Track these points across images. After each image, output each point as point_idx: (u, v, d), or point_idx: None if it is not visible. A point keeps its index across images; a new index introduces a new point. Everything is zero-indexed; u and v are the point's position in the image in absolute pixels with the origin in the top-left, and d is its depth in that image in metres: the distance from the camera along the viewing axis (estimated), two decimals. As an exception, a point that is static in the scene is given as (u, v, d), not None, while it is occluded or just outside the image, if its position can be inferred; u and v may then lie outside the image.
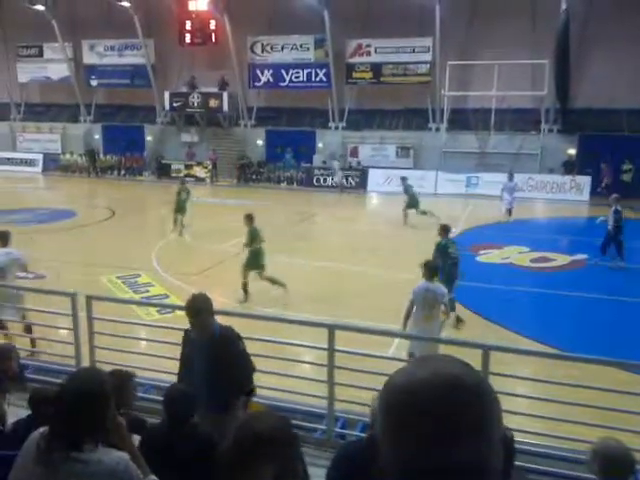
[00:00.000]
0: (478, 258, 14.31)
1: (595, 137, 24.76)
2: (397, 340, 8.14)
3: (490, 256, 14.65)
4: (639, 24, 22.81)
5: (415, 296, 7.16)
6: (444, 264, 9.09)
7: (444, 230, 9.74)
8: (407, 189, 18.79)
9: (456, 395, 0.92)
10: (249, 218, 11.22)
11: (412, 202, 18.35)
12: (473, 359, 3.92)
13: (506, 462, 1.01)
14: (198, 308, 4.37)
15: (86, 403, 2.30)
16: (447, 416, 0.90)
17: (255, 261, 11.04)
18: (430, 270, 7.25)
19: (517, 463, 3.36)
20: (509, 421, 4.40)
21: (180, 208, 16.71)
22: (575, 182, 24.60)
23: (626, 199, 22.09)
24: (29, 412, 4.46)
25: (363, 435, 5.25)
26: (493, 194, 24.25)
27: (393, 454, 0.93)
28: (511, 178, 19.49)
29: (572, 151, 25.68)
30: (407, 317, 7.21)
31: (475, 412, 0.92)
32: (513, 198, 18.94)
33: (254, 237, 11.05)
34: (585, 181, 24.52)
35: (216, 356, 4.32)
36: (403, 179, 19.71)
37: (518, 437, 3.53)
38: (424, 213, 17.83)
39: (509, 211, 18.85)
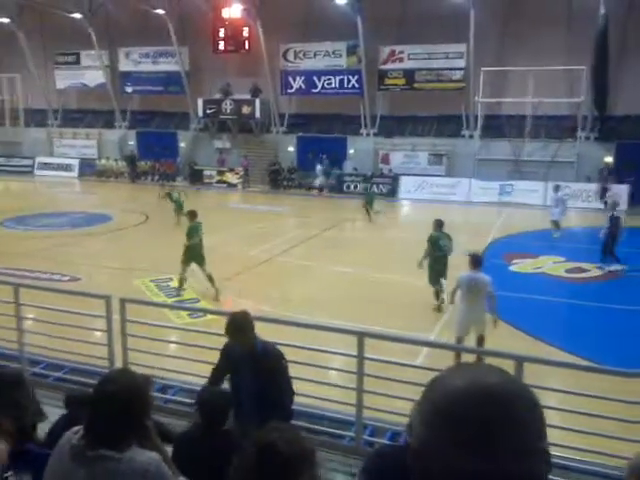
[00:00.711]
0: (511, 267, 14.05)
1: (634, 145, 24.15)
2: (426, 349, 8.02)
3: (523, 265, 14.37)
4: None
5: (460, 283, 8.06)
6: (433, 258, 10.70)
7: (438, 224, 10.95)
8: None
9: (505, 403, 0.91)
10: (192, 214, 11.93)
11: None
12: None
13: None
14: (238, 328, 4.37)
15: (119, 404, 2.32)
16: (491, 425, 0.89)
17: (193, 255, 11.61)
18: (475, 261, 8.06)
19: (551, 477, 3.24)
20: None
21: (180, 207, 17.95)
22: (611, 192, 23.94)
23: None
24: (63, 412, 4.54)
25: (392, 443, 5.21)
26: (527, 202, 24.05)
27: (433, 463, 0.91)
28: (556, 189, 18.77)
29: (609, 159, 25.11)
30: (453, 296, 8.38)
31: (524, 420, 0.91)
32: (560, 210, 18.05)
33: (194, 232, 11.65)
34: (622, 190, 23.88)
35: (258, 370, 4.31)
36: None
37: (551, 451, 3.40)
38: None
39: (554, 223, 17.91)
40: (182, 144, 32.16)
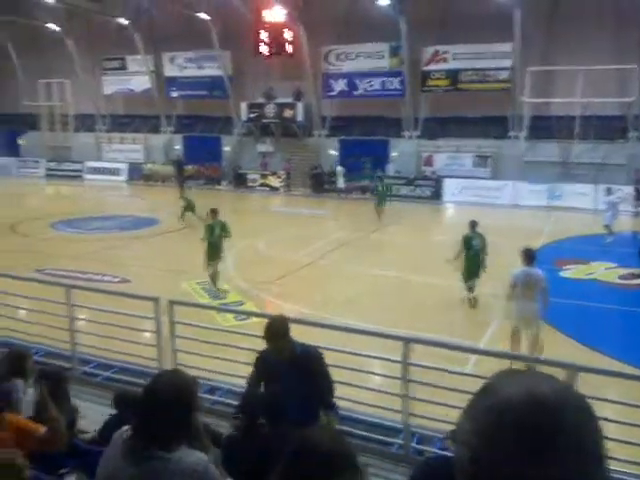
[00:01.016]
0: (562, 273, 13.65)
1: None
2: (475, 356, 7.85)
3: (575, 271, 13.96)
4: None
5: (516, 279, 8.16)
6: (467, 254, 11.25)
7: (472, 225, 11.57)
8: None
9: (558, 412, 0.89)
10: (213, 212, 12.44)
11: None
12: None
13: None
14: (277, 333, 4.36)
15: (169, 404, 2.35)
16: (549, 433, 0.87)
17: (212, 251, 12.11)
18: (528, 257, 8.23)
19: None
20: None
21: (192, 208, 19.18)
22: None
23: None
24: (112, 412, 4.62)
25: (442, 452, 5.11)
26: (576, 206, 23.34)
27: (486, 473, 0.89)
28: (609, 192, 18.17)
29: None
30: (509, 297, 8.35)
31: (588, 431, 0.90)
32: (611, 214, 17.48)
33: (209, 230, 12.21)
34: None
35: (299, 374, 4.33)
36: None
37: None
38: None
39: (607, 228, 17.36)
40: (226, 148, 32.54)
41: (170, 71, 33.08)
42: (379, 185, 22.60)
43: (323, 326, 6.97)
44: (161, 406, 2.35)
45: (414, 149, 28.33)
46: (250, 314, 9.87)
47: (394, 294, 12.37)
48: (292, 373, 4.31)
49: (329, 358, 5.98)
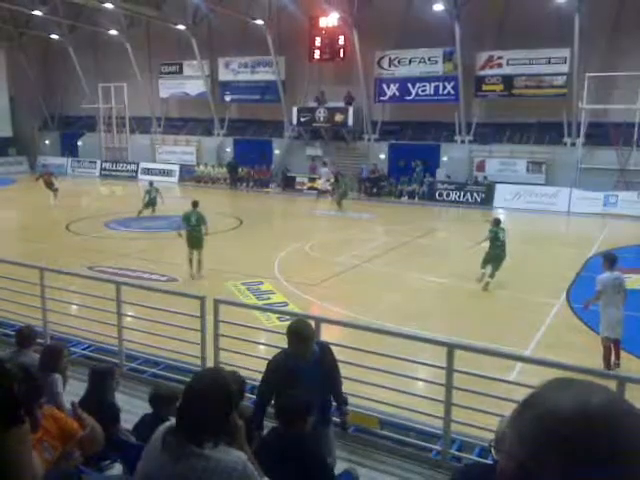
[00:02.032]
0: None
1: None
2: (519, 365, 7.64)
3: (632, 281, 13.38)
4: None
5: (604, 286, 8.00)
6: (494, 247, 12.52)
7: (496, 222, 13.00)
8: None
9: (610, 424, 0.87)
10: (193, 203, 13.72)
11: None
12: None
13: None
14: (307, 335, 4.36)
15: (210, 402, 2.37)
16: (600, 446, 0.85)
17: (190, 241, 13.31)
18: (611, 261, 8.18)
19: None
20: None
21: (151, 203, 21.02)
22: None
23: None
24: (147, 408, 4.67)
25: (480, 460, 5.06)
26: (633, 214, 22.48)
27: None
28: None
29: None
30: (596, 299, 8.24)
31: (629, 443, 0.86)
32: None
33: (185, 220, 13.48)
34: None
35: (321, 375, 4.38)
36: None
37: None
38: None
39: None
40: (276, 151, 32.86)
41: (224, 75, 33.65)
42: (342, 183, 25.45)
43: (366, 329, 6.93)
44: (202, 404, 2.37)
45: (466, 154, 27.92)
46: (293, 314, 9.86)
47: (440, 300, 12.21)
48: (314, 375, 4.32)
49: (370, 361, 5.92)
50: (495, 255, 12.61)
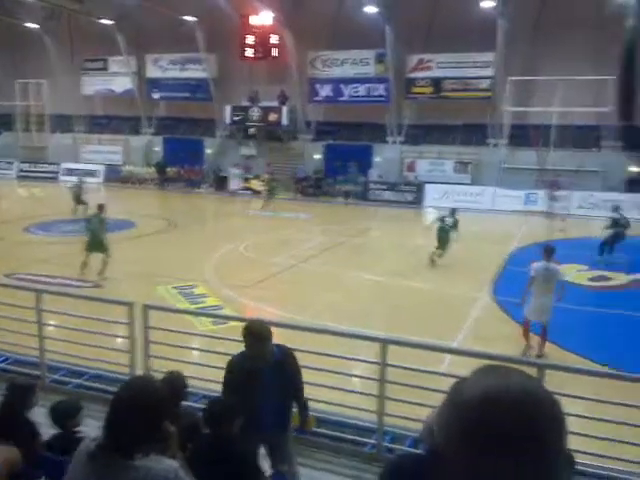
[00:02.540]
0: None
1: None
2: (449, 356, 7.82)
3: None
4: None
5: (536, 274, 8.58)
6: (441, 233, 14.49)
7: (451, 211, 15.02)
8: None
9: (531, 410, 0.90)
10: (98, 207, 13.67)
11: None
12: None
13: None
14: (263, 335, 4.26)
15: (138, 412, 2.29)
16: (521, 431, 0.88)
17: (90, 244, 13.20)
18: (548, 252, 8.73)
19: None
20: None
21: (78, 199, 20.96)
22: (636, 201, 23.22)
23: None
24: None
25: (411, 450, 5.22)
26: (551, 211, 23.59)
27: (461, 469, 0.90)
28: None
29: (635, 169, 24.60)
30: (530, 286, 8.70)
31: (548, 427, 0.90)
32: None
33: (87, 224, 13.58)
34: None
35: (280, 377, 4.33)
36: None
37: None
38: None
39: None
40: (208, 150, 32.30)
41: (152, 72, 32.78)
42: (272, 183, 26.22)
43: (301, 329, 6.84)
44: (130, 414, 2.28)
45: (397, 155, 28.45)
46: (228, 318, 9.65)
47: (375, 298, 12.32)
48: (274, 377, 4.25)
49: (307, 361, 5.86)
50: (442, 239, 14.55)
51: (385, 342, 5.50)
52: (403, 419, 5.50)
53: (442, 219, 14.77)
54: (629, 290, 13.24)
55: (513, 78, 25.02)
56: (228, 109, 30.57)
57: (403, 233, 20.45)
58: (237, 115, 30.48)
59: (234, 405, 3.82)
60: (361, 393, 6.14)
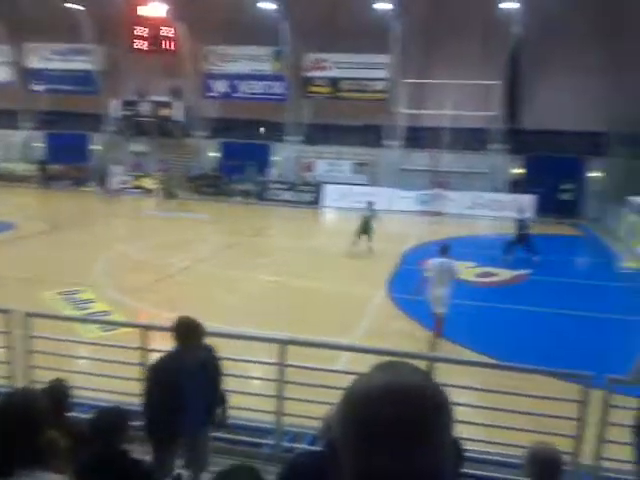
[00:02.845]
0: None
1: (541, 158, 25.47)
2: (348, 353, 7.93)
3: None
4: (587, 52, 23.67)
5: (432, 268, 9.24)
6: (365, 223, 16.21)
7: (369, 203, 17.04)
8: None
9: (415, 402, 0.93)
10: None
11: None
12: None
13: (455, 468, 0.91)
14: (189, 330, 4.23)
15: (14, 426, 2.21)
16: (406, 423, 0.91)
17: None
18: (443, 249, 9.47)
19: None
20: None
21: None
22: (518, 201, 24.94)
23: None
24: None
25: (310, 448, 5.22)
26: (444, 211, 24.75)
27: (352, 462, 0.93)
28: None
29: (518, 171, 26.33)
30: (423, 285, 9.37)
31: (433, 419, 0.93)
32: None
33: None
34: (530, 200, 24.88)
35: (208, 375, 4.34)
36: None
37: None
38: None
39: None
40: (95, 147, 30.65)
41: (33, 63, 30.56)
42: (170, 182, 26.29)
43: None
44: (7, 429, 2.19)
45: (295, 154, 28.48)
46: (117, 324, 9.15)
47: (274, 298, 12.21)
48: (201, 375, 4.23)
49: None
50: (367, 228, 16.31)
51: (285, 342, 5.49)
52: (303, 418, 5.49)
53: (366, 211, 16.61)
54: (512, 285, 14.16)
55: (407, 81, 25.86)
56: (116, 103, 29.17)
57: (302, 233, 20.53)
58: (127, 110, 29.18)
59: (125, 415, 3.71)
60: (259, 395, 6.12)
